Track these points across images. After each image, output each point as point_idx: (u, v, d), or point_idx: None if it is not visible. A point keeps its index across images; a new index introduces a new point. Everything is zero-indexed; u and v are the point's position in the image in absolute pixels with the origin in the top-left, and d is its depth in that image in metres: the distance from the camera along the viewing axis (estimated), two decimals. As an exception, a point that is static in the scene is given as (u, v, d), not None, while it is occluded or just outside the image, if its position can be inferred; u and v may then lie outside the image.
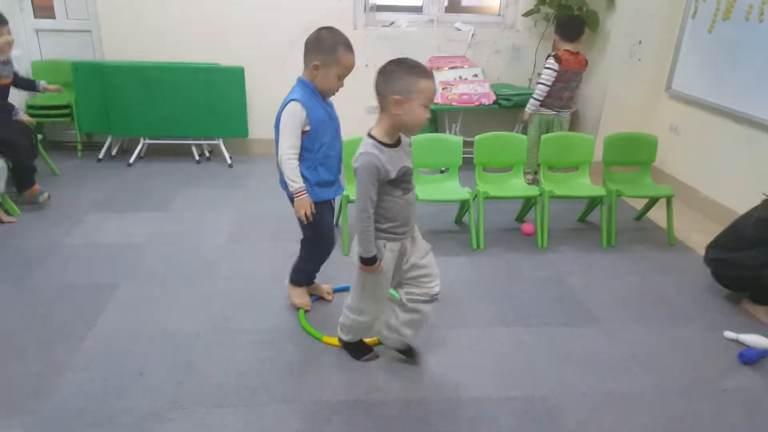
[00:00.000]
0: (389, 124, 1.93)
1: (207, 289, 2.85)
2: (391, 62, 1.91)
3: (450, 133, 4.97)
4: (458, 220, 3.77)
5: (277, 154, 2.32)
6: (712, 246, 2.89)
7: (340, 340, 2.38)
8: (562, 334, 2.56)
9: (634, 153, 3.69)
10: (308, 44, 2.26)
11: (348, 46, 2.25)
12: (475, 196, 3.46)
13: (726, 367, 2.37)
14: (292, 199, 2.39)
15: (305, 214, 2.34)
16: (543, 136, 3.67)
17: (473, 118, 5.01)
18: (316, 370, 2.28)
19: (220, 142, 4.90)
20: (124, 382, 2.16)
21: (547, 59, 4.25)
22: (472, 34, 5.08)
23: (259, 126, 5.06)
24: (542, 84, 4.21)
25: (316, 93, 2.30)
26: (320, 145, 2.32)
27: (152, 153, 5.01)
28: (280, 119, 2.29)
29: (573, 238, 3.59)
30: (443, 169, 3.73)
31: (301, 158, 2.32)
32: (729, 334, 2.54)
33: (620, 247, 3.46)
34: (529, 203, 3.69)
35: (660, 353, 2.45)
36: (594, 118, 4.78)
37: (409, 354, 2.34)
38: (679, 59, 4.38)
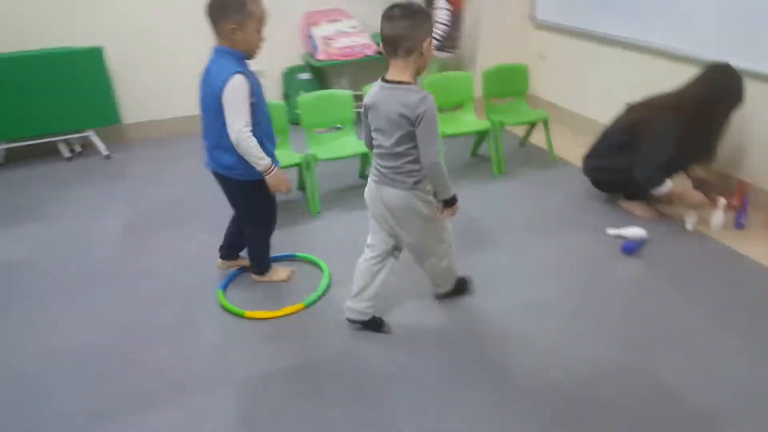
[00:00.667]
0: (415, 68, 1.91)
1: (110, 292, 2.65)
2: None
3: (338, 88, 4.88)
4: (362, 174, 3.76)
5: (208, 137, 2.24)
6: (587, 156, 3.14)
7: (441, 295, 2.38)
8: (471, 262, 2.68)
9: (509, 84, 3.85)
10: (212, 10, 2.09)
11: None
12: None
13: (614, 260, 2.64)
14: (225, 180, 2.31)
15: (286, 187, 2.28)
16: (425, 79, 3.72)
17: (359, 70, 4.95)
18: (245, 346, 2.22)
19: (92, 134, 4.46)
20: (36, 407, 1.97)
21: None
22: (343, -16, 4.96)
23: (132, 110, 4.67)
24: (442, 24, 4.15)
25: (243, 59, 2.16)
26: (262, 117, 2.22)
27: (14, 158, 4.45)
28: (221, 97, 2.08)
29: (468, 171, 3.74)
30: (338, 126, 3.68)
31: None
32: (611, 230, 2.82)
33: (510, 173, 3.66)
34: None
35: (558, 260, 2.67)
36: (471, 55, 4.91)
37: (464, 287, 2.43)
38: (536, -11, 4.59)
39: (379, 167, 2.02)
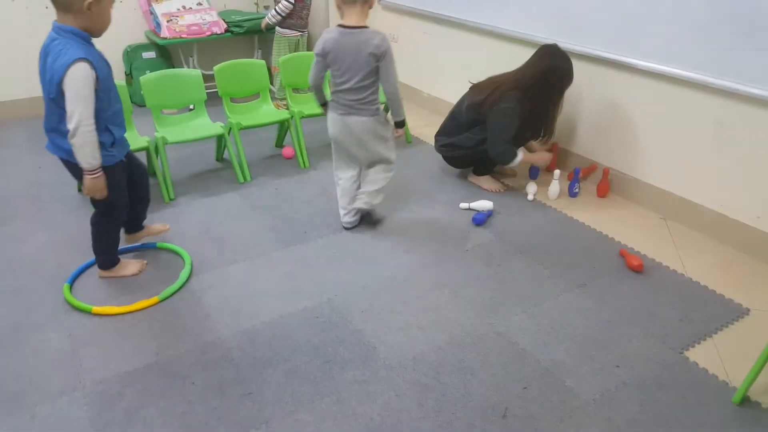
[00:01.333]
0: None
1: None
2: None
3: (188, 67, 4.57)
4: (219, 158, 3.58)
5: (48, 121, 2.03)
6: (438, 134, 3.29)
7: (372, 215, 2.78)
8: (335, 241, 2.71)
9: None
10: None
11: None
12: (230, 129, 3.31)
13: (466, 231, 2.81)
14: (69, 164, 2.09)
15: (101, 195, 2.08)
16: (281, 58, 3.63)
17: (208, 49, 4.67)
18: (93, 348, 2.03)
19: None
20: None
21: None
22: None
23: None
24: (286, 1, 4.09)
25: (90, 40, 1.98)
26: (108, 103, 2.04)
27: None
28: (61, 83, 1.88)
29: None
30: (190, 107, 3.46)
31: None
32: (463, 204, 3.00)
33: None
34: (283, 127, 3.67)
35: (415, 234, 2.77)
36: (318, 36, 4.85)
37: (374, 219, 2.80)
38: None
39: (344, 101, 2.47)
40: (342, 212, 2.77)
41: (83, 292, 2.32)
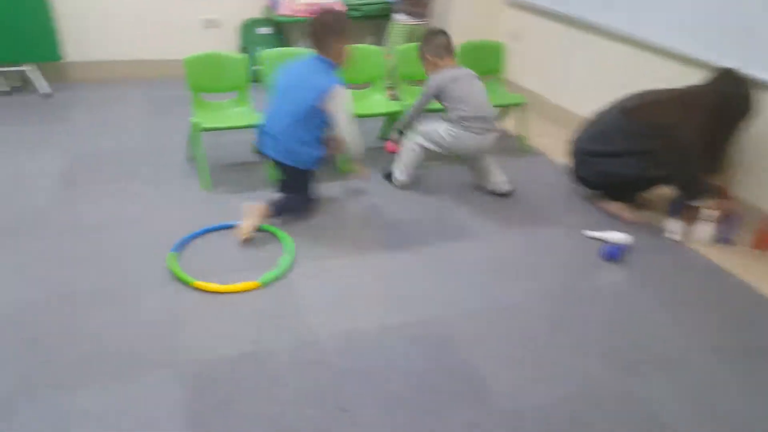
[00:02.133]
0: None
1: (39, 246, 2.31)
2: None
3: (300, 47, 4.51)
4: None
5: (289, 132, 2.51)
6: (581, 140, 2.88)
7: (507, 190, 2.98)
8: (445, 252, 2.50)
9: (484, 62, 3.63)
10: (331, 30, 2.51)
11: None
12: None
13: (594, 265, 2.47)
14: (294, 167, 2.56)
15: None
16: (400, 47, 3.45)
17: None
18: (191, 324, 1.97)
19: (30, 69, 3.92)
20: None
21: None
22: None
23: (76, 47, 4.14)
24: None
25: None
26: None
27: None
28: (323, 101, 2.44)
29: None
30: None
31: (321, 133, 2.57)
32: (589, 233, 2.65)
33: (479, 156, 3.46)
34: (392, 119, 3.50)
35: (534, 258, 2.49)
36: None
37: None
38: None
39: (478, 124, 2.80)
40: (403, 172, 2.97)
41: (185, 262, 2.27)
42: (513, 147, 3.65)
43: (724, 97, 2.50)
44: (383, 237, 2.59)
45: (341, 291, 2.20)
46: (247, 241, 2.42)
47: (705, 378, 1.90)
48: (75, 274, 2.17)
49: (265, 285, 2.18)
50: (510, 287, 2.29)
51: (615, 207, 2.86)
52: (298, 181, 2.63)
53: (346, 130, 2.51)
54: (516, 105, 3.57)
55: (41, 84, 3.93)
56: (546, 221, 2.81)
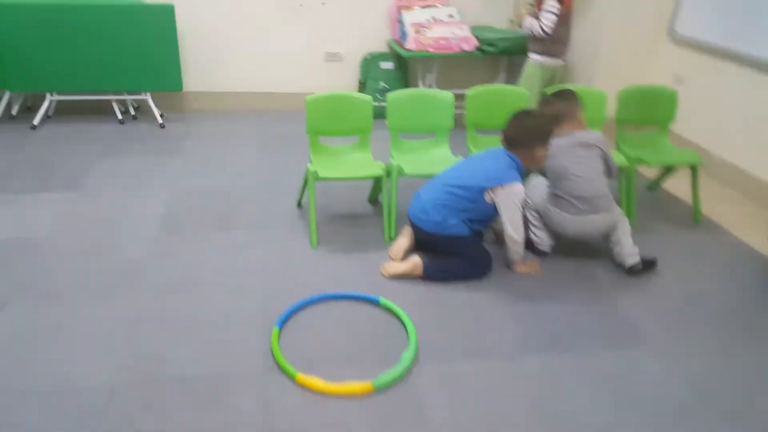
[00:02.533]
0: None
1: (129, 308, 2.01)
2: None
3: (423, 86, 4.13)
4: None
5: (443, 206, 2.26)
6: None
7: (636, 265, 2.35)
8: (605, 362, 1.89)
9: (650, 110, 2.99)
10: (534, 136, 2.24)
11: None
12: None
13: None
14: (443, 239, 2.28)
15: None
16: (535, 90, 2.90)
17: (450, 67, 4.17)
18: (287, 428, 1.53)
19: (148, 97, 3.86)
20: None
21: None
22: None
23: (194, 77, 4.06)
24: (547, 25, 3.30)
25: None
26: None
27: (63, 112, 3.93)
28: (494, 190, 2.21)
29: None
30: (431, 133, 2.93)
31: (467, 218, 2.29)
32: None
33: (642, 228, 2.74)
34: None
35: (741, 395, 1.79)
36: (584, 69, 3.99)
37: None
38: (687, -3, 3.65)
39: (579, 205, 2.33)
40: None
41: (288, 342, 1.87)
42: (680, 217, 2.94)
43: None
44: (522, 331, 2.03)
45: (475, 408, 1.66)
46: (395, 272, 2.23)
47: None
48: (163, 351, 1.82)
49: (380, 389, 1.70)
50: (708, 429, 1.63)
51: None
52: (454, 246, 2.29)
53: (512, 230, 2.21)
54: (687, 164, 2.87)
55: (156, 113, 3.85)
56: (747, 332, 2.08)
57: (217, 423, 1.56)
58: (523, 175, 2.29)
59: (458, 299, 2.16)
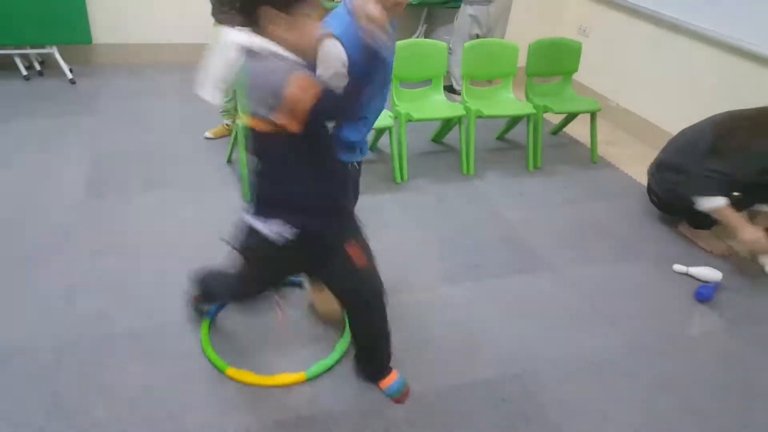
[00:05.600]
0: None
1: (64, 273, 2.00)
2: None
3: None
4: (373, 147, 3.12)
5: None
6: (659, 168, 2.53)
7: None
8: (514, 285, 2.16)
9: (557, 61, 3.21)
10: None
11: None
12: (395, 118, 2.81)
13: (687, 309, 2.12)
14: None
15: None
16: (466, 44, 3.03)
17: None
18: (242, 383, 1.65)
19: (55, 51, 3.59)
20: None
21: None
22: None
23: (104, 28, 3.79)
24: None
25: None
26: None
27: (-43, 68, 3.57)
28: None
29: (497, 161, 3.14)
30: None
31: None
32: (678, 267, 2.30)
33: (546, 169, 3.07)
34: (450, 123, 3.13)
35: (616, 297, 2.15)
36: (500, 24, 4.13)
37: None
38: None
39: None
40: None
41: (222, 329, 1.84)
42: (581, 158, 3.25)
43: None
44: (443, 264, 2.25)
45: (406, 340, 1.86)
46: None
47: None
48: (105, 310, 1.86)
49: (312, 379, 1.69)
50: (594, 333, 1.95)
51: (697, 235, 2.49)
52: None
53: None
54: (588, 111, 3.15)
55: (65, 68, 3.60)
56: (628, 252, 2.44)
57: (167, 370, 1.66)
58: None
59: (387, 245, 2.33)
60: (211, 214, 2.38)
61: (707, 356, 1.91)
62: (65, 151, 2.80)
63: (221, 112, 2.96)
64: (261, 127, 1.23)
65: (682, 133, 2.49)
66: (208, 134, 3.06)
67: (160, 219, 2.35)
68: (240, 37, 1.25)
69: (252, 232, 1.36)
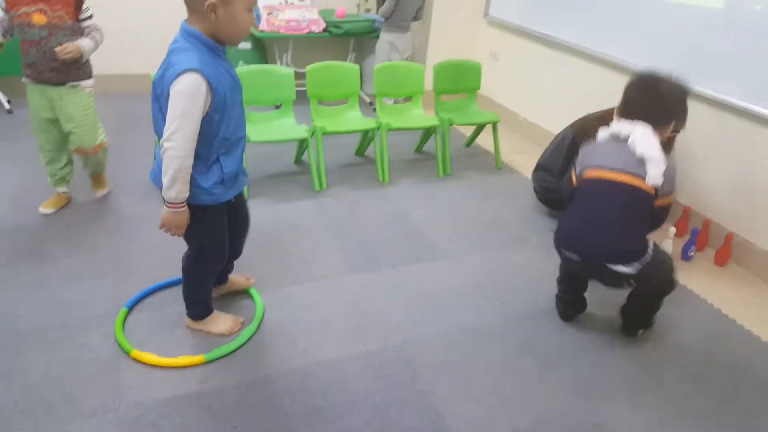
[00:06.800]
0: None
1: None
2: None
3: (281, 64, 4.37)
4: (297, 160, 3.33)
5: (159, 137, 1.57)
6: (538, 169, 2.86)
7: None
8: (409, 273, 2.36)
9: (461, 80, 3.51)
10: None
11: None
12: (313, 132, 3.04)
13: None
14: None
15: (180, 233, 1.63)
16: (375, 66, 3.31)
17: (303, 46, 4.45)
18: (135, 366, 1.77)
19: (-9, 83, 3.72)
20: None
21: None
22: (293, -47, 4.41)
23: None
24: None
25: (217, 49, 1.54)
26: (226, 127, 1.58)
27: None
28: (166, 94, 1.48)
29: (412, 169, 3.38)
30: (277, 105, 3.22)
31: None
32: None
33: (455, 175, 3.34)
34: (367, 137, 3.37)
35: (499, 279, 2.37)
36: (420, 46, 4.51)
37: None
38: (495, -15, 4.25)
39: None
40: None
41: (139, 319, 1.97)
42: (488, 165, 3.53)
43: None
44: (347, 256, 2.43)
45: (300, 321, 2.02)
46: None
47: (666, 401, 1.77)
48: (12, 308, 1.97)
49: (211, 361, 1.80)
50: (475, 310, 2.15)
51: None
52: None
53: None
54: (490, 123, 3.44)
55: (2, 99, 3.72)
56: (515, 241, 2.68)
57: (70, 360, 1.77)
58: None
59: (298, 244, 2.51)
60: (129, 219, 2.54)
61: (570, 326, 2.13)
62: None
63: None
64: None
65: (554, 138, 2.81)
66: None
67: (73, 232, 2.48)
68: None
69: None
